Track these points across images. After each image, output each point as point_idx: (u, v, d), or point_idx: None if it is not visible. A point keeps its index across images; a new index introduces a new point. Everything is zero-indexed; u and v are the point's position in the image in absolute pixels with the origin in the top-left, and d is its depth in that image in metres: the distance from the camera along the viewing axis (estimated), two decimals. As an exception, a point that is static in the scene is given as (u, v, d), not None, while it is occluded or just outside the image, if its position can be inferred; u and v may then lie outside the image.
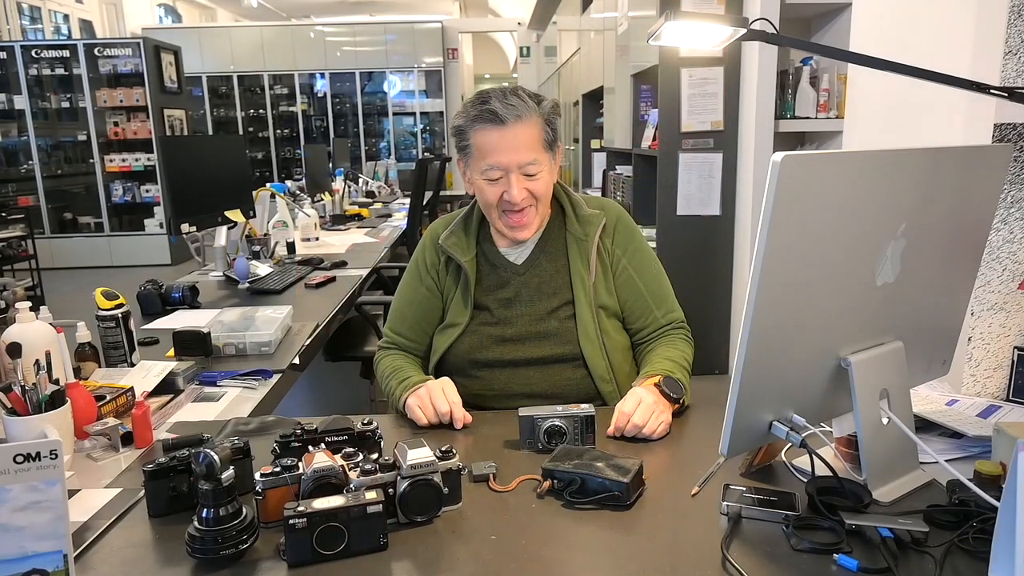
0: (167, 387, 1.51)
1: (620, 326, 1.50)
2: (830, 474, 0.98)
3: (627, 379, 1.44)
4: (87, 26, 9.96)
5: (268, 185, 3.66)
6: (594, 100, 6.18)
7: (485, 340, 1.46)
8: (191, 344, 1.70)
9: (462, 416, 1.30)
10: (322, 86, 10.78)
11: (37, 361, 1.17)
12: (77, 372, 1.47)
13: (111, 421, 1.26)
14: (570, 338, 1.44)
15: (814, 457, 0.98)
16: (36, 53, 7.54)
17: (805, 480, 1.03)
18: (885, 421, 1.01)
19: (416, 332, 1.55)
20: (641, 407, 1.23)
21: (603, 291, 1.47)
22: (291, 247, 3.25)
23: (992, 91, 1.16)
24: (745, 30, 1.22)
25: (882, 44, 1.81)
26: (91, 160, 7.67)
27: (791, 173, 0.81)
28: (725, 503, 0.97)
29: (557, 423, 1.18)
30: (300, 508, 0.88)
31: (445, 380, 1.37)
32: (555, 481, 1.04)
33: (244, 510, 0.91)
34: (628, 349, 1.51)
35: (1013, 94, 1.15)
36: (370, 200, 5.84)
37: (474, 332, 1.47)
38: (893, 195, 0.95)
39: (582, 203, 1.51)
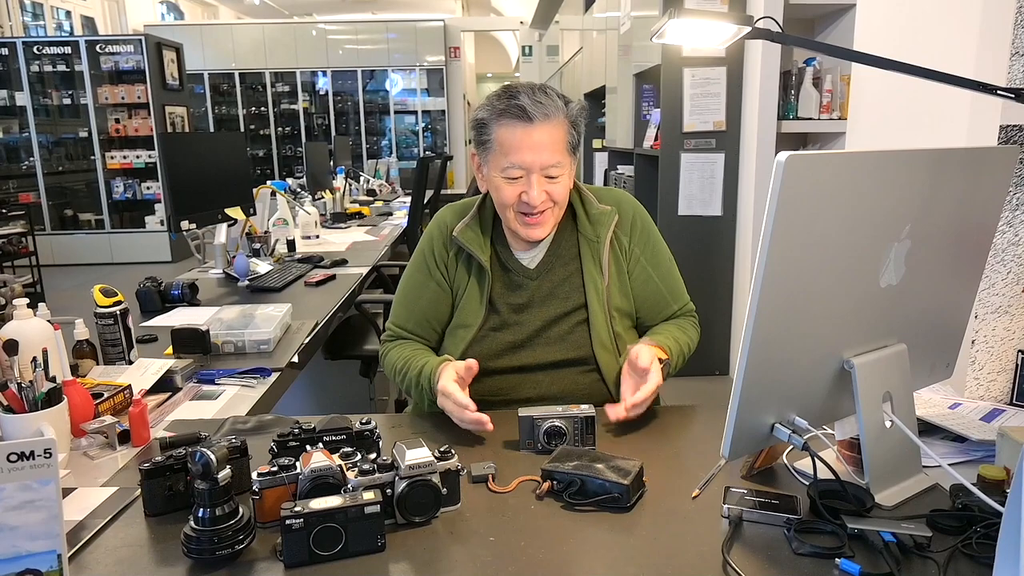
0: (165, 385, 1.51)
1: (632, 325, 1.49)
2: (832, 477, 0.97)
3: None
4: (89, 23, 9.96)
5: (269, 183, 3.66)
6: (596, 100, 6.17)
7: (497, 347, 1.42)
8: (190, 342, 1.69)
9: (478, 419, 1.21)
10: (324, 84, 10.78)
11: (34, 358, 1.16)
12: (75, 370, 1.46)
13: (108, 419, 1.26)
14: (582, 343, 1.41)
15: (816, 460, 0.97)
16: (38, 49, 7.53)
17: (807, 483, 1.02)
18: (888, 424, 1.01)
19: (423, 328, 1.49)
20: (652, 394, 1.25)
21: (617, 293, 1.45)
22: (291, 245, 3.25)
23: (999, 92, 1.15)
24: (750, 28, 1.21)
25: (886, 45, 1.80)
26: (92, 157, 7.67)
27: (796, 173, 0.80)
28: (726, 506, 0.96)
29: (557, 423, 1.17)
30: (297, 508, 0.88)
31: (445, 386, 1.25)
32: (555, 482, 1.03)
33: (241, 510, 0.91)
34: None
35: (1020, 95, 1.14)
36: (371, 198, 5.84)
37: (484, 338, 1.42)
38: (898, 196, 0.95)
39: (593, 200, 1.47)
